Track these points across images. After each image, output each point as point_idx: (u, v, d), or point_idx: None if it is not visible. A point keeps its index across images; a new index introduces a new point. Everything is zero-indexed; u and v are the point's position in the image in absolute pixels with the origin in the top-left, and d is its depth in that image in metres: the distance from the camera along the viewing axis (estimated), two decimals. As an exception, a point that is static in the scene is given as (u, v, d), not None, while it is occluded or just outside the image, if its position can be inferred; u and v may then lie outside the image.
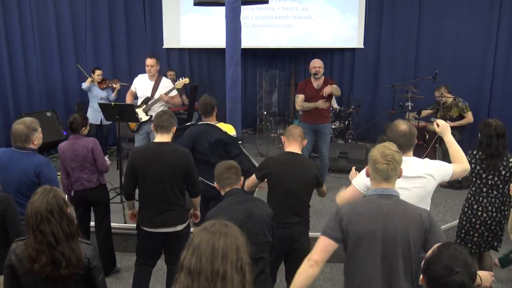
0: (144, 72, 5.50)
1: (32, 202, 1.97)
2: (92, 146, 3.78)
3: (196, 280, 1.41)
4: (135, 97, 5.64)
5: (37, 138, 3.08)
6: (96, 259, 2.09)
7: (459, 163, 2.67)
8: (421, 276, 1.57)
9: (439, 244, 1.58)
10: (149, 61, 5.37)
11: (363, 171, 2.33)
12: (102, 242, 3.99)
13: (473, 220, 3.40)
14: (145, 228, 3.20)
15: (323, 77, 5.41)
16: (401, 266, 2.02)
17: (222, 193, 2.69)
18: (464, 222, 3.48)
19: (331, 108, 7.21)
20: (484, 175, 3.36)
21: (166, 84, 5.46)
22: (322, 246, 2.10)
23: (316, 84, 5.38)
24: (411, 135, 2.56)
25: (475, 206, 3.40)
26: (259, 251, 2.51)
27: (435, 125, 2.78)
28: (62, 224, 1.95)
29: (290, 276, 3.17)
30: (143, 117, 5.36)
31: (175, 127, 3.29)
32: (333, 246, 2.10)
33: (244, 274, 1.46)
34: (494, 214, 3.35)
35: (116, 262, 4.14)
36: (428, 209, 2.59)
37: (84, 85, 6.65)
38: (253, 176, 3.21)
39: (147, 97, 5.40)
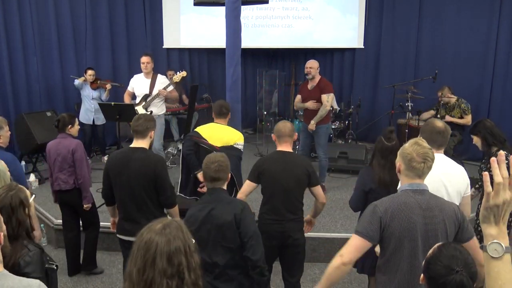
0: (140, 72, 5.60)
1: None
2: (74, 148, 3.73)
3: (132, 286, 1.42)
4: (133, 97, 5.70)
5: (3, 137, 3.09)
6: (31, 266, 2.00)
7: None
8: (421, 275, 1.57)
9: (439, 243, 1.58)
10: (144, 59, 5.52)
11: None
12: (85, 243, 4.03)
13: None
14: (118, 235, 3.11)
15: (318, 78, 5.36)
16: None
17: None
18: (476, 225, 3.48)
19: (332, 108, 7.22)
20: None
21: (162, 80, 5.64)
22: (357, 246, 2.06)
23: (310, 85, 5.40)
24: (447, 132, 2.65)
25: None
26: (214, 255, 2.44)
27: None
28: (10, 225, 1.90)
29: (286, 273, 3.19)
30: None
31: (153, 131, 3.12)
32: (368, 246, 2.08)
33: (182, 278, 1.42)
34: None
35: (97, 262, 4.13)
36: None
37: (76, 81, 6.70)
38: (247, 181, 3.17)
39: (146, 94, 5.53)
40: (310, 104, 5.32)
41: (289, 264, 3.16)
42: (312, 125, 5.29)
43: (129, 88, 5.69)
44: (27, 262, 2.00)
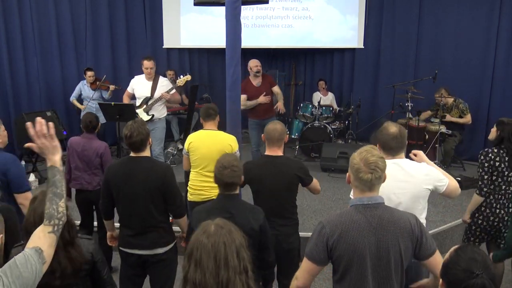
0: (142, 73, 5.49)
1: (35, 208, 1.93)
2: (103, 151, 3.78)
3: None
4: (132, 98, 5.61)
5: (1, 136, 3.07)
6: (99, 253, 2.09)
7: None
8: (440, 280, 1.53)
9: (455, 247, 1.54)
10: (147, 64, 5.32)
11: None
12: (100, 243, 3.98)
13: (491, 218, 3.39)
14: (121, 248, 2.95)
15: (261, 76, 5.80)
16: (394, 281, 1.92)
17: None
18: (480, 221, 3.44)
19: (331, 109, 7.22)
20: (506, 173, 3.34)
21: (164, 83, 5.47)
22: (308, 270, 1.98)
23: (255, 82, 5.75)
24: (402, 137, 2.48)
25: (494, 205, 3.38)
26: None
27: (412, 155, 2.68)
28: (62, 231, 1.86)
29: (281, 276, 3.18)
30: (144, 117, 5.35)
31: (150, 138, 2.94)
32: (319, 269, 1.98)
33: (247, 272, 1.47)
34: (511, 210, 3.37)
35: (113, 261, 4.13)
36: (425, 211, 2.55)
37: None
38: None
39: (147, 97, 5.38)
40: (263, 99, 5.65)
41: (284, 268, 3.12)
42: (282, 106, 5.88)
43: (129, 89, 5.52)
44: (96, 250, 2.07)
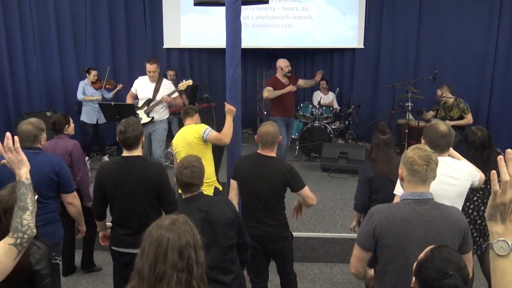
0: (144, 73, 5.48)
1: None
2: (71, 149, 3.66)
3: (141, 282, 1.46)
4: (135, 98, 5.62)
5: (43, 138, 3.10)
6: (41, 263, 2.00)
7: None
8: (413, 278, 1.55)
9: (431, 246, 1.56)
10: (150, 67, 5.26)
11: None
12: (84, 242, 4.00)
13: (478, 221, 3.39)
14: (114, 248, 2.95)
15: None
16: None
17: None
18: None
19: (331, 109, 7.23)
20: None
21: (167, 85, 5.41)
22: (358, 256, 2.06)
23: (284, 80, 5.85)
24: (450, 136, 2.58)
25: (482, 208, 3.39)
26: (222, 254, 2.42)
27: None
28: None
29: (278, 267, 3.21)
30: (144, 118, 5.32)
31: (143, 137, 2.96)
32: (368, 255, 2.04)
33: (191, 271, 1.47)
34: None
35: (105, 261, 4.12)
36: (461, 207, 2.62)
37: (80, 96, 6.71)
38: (231, 180, 3.13)
39: (149, 99, 5.34)
40: (291, 87, 5.74)
41: (279, 263, 3.19)
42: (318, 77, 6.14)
43: (132, 90, 5.50)
44: (37, 260, 2.00)
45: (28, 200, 1.71)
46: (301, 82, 6.17)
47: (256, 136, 3.15)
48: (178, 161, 3.62)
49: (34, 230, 1.71)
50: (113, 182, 2.84)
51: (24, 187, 1.72)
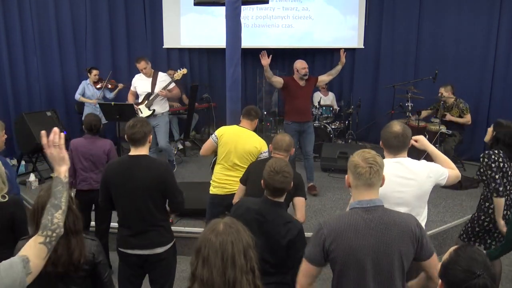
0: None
1: (39, 196, 1.97)
2: (109, 148, 3.87)
3: None
4: (136, 96, 5.75)
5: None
6: (101, 255, 2.09)
7: (451, 169, 2.60)
8: (439, 281, 1.52)
9: (455, 247, 1.52)
10: (139, 66, 5.59)
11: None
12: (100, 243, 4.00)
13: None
14: (120, 249, 2.93)
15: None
16: (396, 284, 1.89)
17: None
18: (486, 223, 3.40)
19: (331, 109, 7.23)
20: (510, 172, 3.34)
21: (163, 78, 5.71)
22: (305, 271, 1.99)
23: (301, 82, 5.37)
24: (404, 136, 2.48)
25: (508, 202, 3.35)
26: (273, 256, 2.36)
27: (413, 142, 2.68)
28: (67, 220, 1.86)
29: None
30: (145, 112, 5.56)
31: (151, 136, 2.94)
32: (317, 271, 1.98)
33: (253, 271, 1.49)
34: None
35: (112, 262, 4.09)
36: (425, 210, 2.58)
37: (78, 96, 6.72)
38: (239, 184, 3.16)
39: (149, 93, 5.60)
40: (343, 56, 5.51)
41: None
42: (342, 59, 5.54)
43: (132, 88, 5.80)
44: (98, 252, 2.07)
45: (63, 199, 1.71)
46: (323, 77, 5.62)
47: (270, 144, 3.23)
48: (220, 146, 3.67)
49: (63, 229, 1.71)
50: (117, 180, 2.82)
51: (61, 185, 1.72)
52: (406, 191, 2.43)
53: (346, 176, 2.03)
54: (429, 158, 2.76)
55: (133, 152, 2.86)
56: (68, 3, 7.28)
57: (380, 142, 2.57)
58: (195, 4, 4.97)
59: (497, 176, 3.27)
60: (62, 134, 1.75)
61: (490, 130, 3.50)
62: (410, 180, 2.44)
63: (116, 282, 3.97)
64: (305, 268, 1.99)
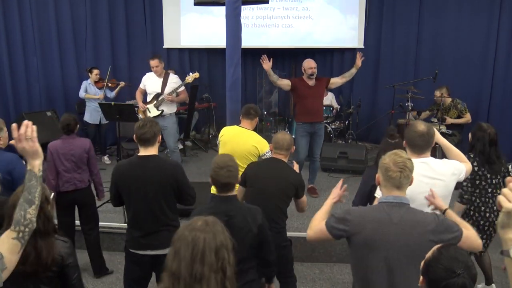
0: (145, 70, 5.66)
1: (14, 193, 1.95)
2: (88, 147, 3.86)
3: (177, 283, 1.47)
4: (144, 94, 5.78)
5: (3, 138, 3.09)
6: (71, 257, 2.06)
7: (464, 162, 2.64)
8: (421, 278, 1.56)
9: (438, 245, 1.57)
10: (152, 63, 5.52)
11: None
12: (93, 245, 3.99)
13: (481, 222, 3.38)
14: (132, 250, 2.91)
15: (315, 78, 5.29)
16: (410, 275, 1.95)
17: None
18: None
19: (331, 109, 7.23)
20: (489, 175, 3.35)
21: (174, 80, 5.67)
22: (322, 231, 2.12)
23: (311, 82, 5.22)
24: (429, 135, 2.53)
25: (483, 208, 3.37)
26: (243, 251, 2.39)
27: None
28: (37, 223, 1.81)
29: (278, 275, 3.19)
30: (153, 112, 5.57)
31: (160, 136, 2.92)
32: (328, 238, 2.12)
33: (224, 272, 1.49)
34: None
35: (106, 263, 4.10)
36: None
37: (82, 94, 6.69)
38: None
39: (158, 93, 5.58)
40: (359, 57, 5.28)
41: (278, 269, 3.15)
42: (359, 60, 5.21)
43: (141, 86, 5.72)
44: (68, 254, 2.05)
45: (37, 194, 1.68)
46: (336, 80, 5.40)
47: (270, 144, 3.24)
48: (220, 147, 3.71)
49: (35, 224, 1.69)
50: (128, 182, 2.81)
51: (35, 179, 1.69)
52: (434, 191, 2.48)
53: (377, 175, 2.14)
54: (433, 152, 2.79)
55: (143, 152, 2.85)
56: (68, 3, 7.29)
57: (404, 141, 2.63)
58: (195, 4, 4.97)
59: (464, 183, 3.31)
60: (35, 127, 1.71)
61: (471, 133, 3.52)
62: (437, 180, 2.48)
63: (115, 282, 3.99)
64: (322, 229, 2.12)
